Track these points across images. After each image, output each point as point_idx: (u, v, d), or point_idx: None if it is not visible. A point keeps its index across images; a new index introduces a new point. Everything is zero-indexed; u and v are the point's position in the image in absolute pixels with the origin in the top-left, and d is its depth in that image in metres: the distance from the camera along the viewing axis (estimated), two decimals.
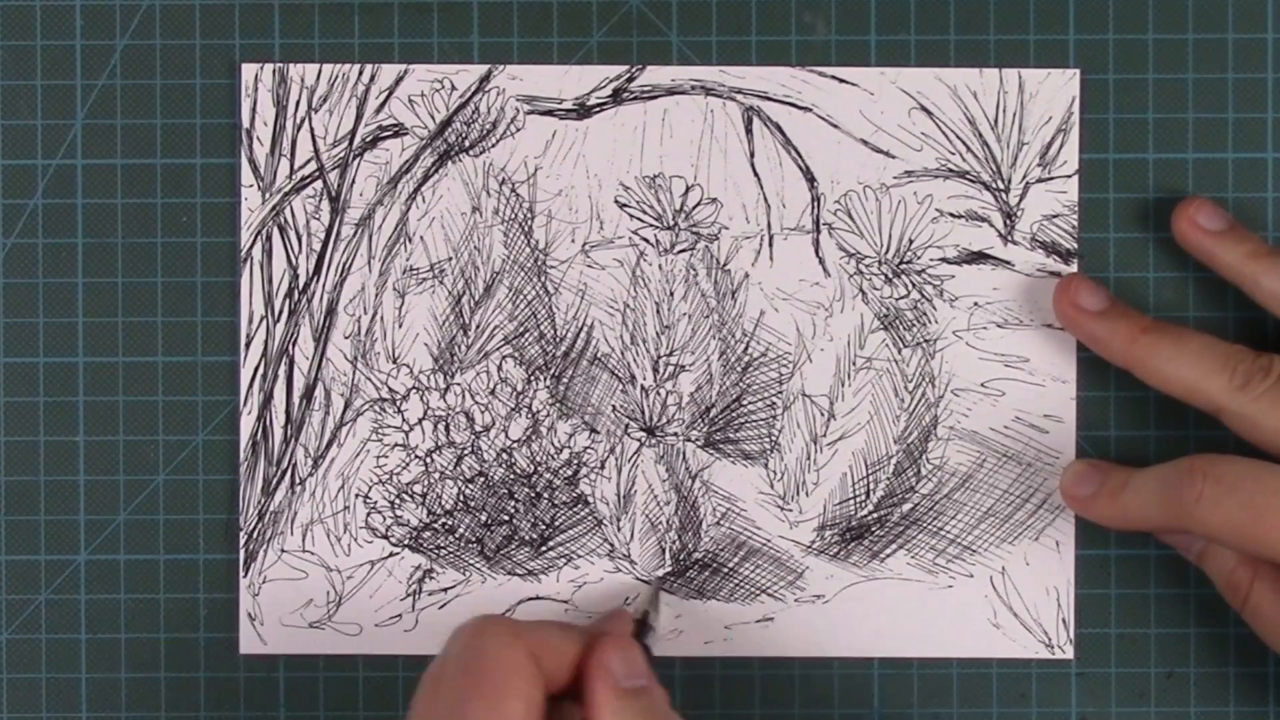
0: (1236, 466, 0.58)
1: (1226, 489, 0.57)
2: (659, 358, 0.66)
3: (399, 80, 0.66)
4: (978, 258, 0.66)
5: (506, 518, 0.66)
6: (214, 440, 0.66)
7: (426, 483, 0.66)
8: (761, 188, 0.66)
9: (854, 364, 0.66)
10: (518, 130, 0.66)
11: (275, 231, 0.66)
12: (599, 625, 0.60)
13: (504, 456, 0.66)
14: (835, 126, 0.65)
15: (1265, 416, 0.59)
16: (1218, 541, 0.59)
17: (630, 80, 0.66)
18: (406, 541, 0.66)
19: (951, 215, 0.65)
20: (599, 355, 0.66)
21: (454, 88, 0.66)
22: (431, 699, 0.54)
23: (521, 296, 0.66)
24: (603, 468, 0.66)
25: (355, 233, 0.66)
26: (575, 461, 0.66)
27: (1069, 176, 0.65)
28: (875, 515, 0.66)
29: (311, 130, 0.66)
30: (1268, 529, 0.57)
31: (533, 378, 0.66)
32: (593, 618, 0.65)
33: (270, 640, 0.66)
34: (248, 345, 0.66)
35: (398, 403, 0.66)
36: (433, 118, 0.66)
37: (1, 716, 0.66)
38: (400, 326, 0.66)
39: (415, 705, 0.55)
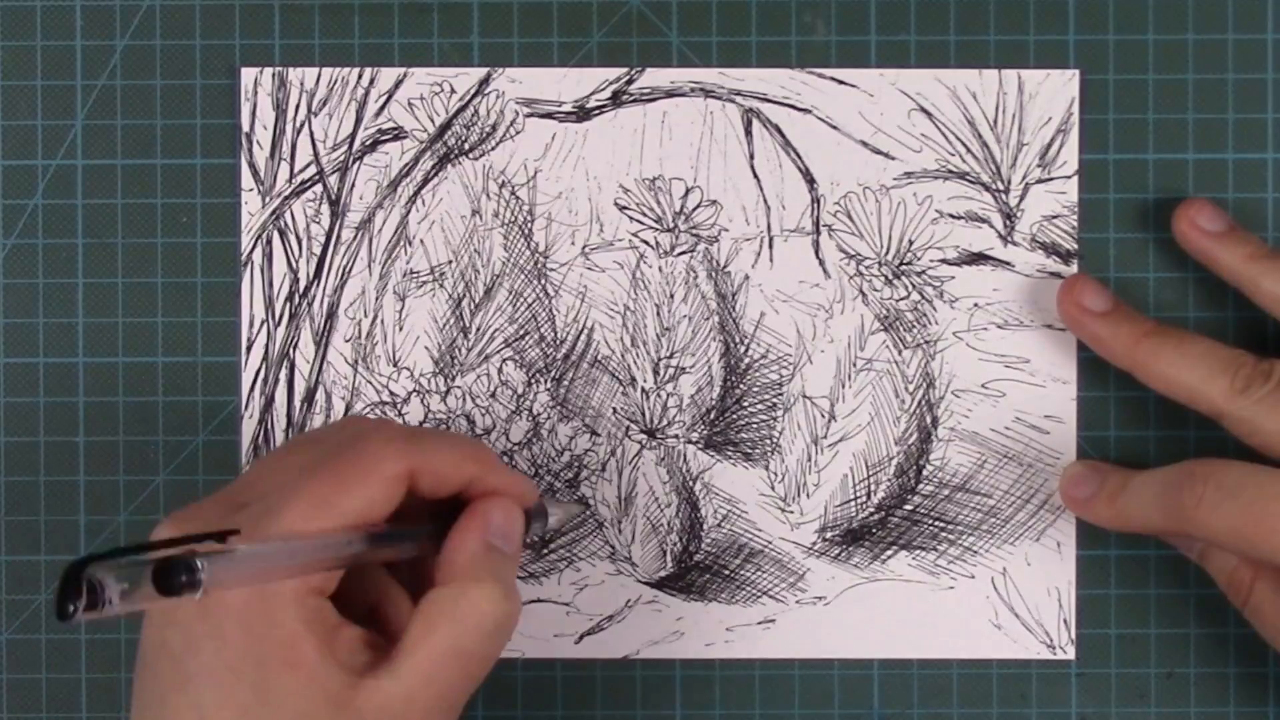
0: (1237, 471, 0.58)
1: (1227, 493, 0.57)
2: (659, 360, 0.66)
3: (398, 83, 0.66)
4: (978, 259, 0.65)
5: None
6: (214, 441, 0.66)
7: None
8: (761, 189, 0.65)
9: (854, 365, 0.65)
10: (517, 133, 0.66)
11: (275, 235, 0.66)
12: (509, 479, 0.57)
13: (505, 459, 0.66)
14: (835, 128, 0.65)
15: (1266, 421, 0.59)
16: (1218, 545, 0.59)
17: (629, 82, 0.65)
18: None
19: (951, 216, 0.65)
20: (599, 358, 0.66)
21: (453, 91, 0.66)
22: (296, 451, 0.55)
23: (522, 299, 0.66)
24: (603, 470, 0.66)
25: (355, 236, 0.66)
26: (576, 464, 0.66)
27: (1069, 177, 0.65)
28: (876, 517, 0.66)
29: (311, 134, 0.66)
30: (1268, 533, 0.57)
31: (533, 380, 0.66)
32: (512, 469, 0.60)
33: None
34: (248, 349, 0.66)
35: (399, 406, 0.66)
36: (432, 121, 0.66)
37: (1, 716, 0.66)
38: (401, 330, 0.66)
39: (278, 453, 0.56)
